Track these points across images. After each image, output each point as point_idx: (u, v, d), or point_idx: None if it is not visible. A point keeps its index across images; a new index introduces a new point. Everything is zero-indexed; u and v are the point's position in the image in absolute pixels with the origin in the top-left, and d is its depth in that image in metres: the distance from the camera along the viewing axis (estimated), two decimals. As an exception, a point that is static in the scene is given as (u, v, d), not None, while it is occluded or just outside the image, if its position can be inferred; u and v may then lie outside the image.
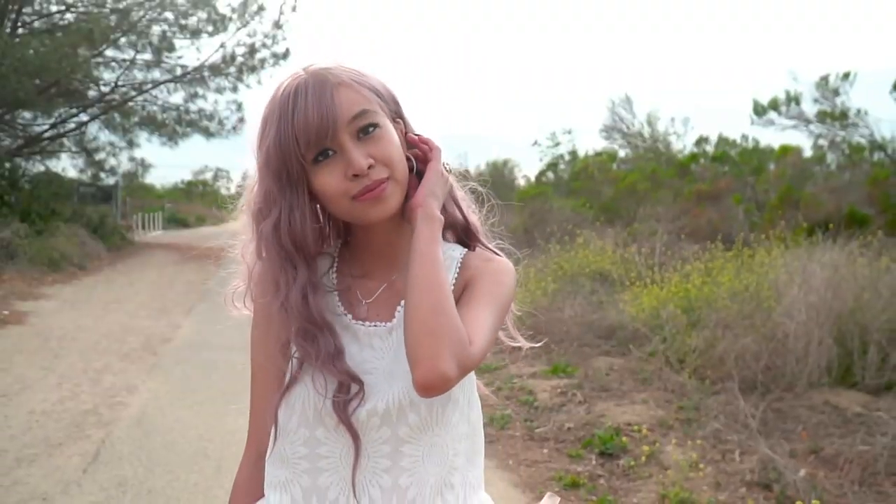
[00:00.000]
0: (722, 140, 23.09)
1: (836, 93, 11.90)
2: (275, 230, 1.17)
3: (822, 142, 14.64)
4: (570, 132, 25.25)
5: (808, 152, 17.74)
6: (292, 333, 1.19)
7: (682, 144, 23.05)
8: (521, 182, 27.73)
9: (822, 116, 13.74)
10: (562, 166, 26.34)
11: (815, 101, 12.05)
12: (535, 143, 25.80)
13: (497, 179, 26.46)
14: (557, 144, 25.07)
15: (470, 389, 1.24)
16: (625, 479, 4.41)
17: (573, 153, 25.93)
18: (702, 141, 22.75)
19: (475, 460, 1.26)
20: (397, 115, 1.22)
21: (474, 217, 1.33)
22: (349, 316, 1.23)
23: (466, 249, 1.28)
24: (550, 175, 26.49)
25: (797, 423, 5.12)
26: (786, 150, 17.35)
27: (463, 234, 1.31)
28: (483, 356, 1.12)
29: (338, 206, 1.17)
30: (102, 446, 4.87)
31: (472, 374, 1.23)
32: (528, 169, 29.44)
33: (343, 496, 1.16)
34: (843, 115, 13.38)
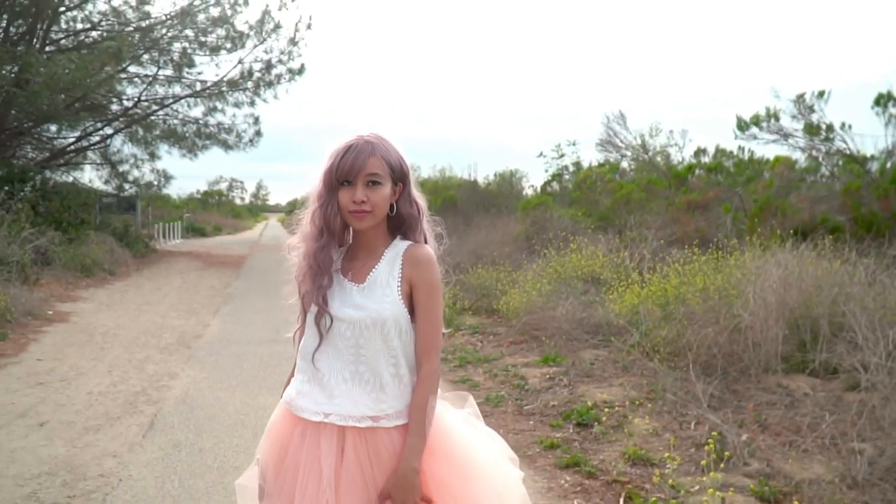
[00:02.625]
0: (719, 151, 23.69)
1: (811, 109, 12.67)
2: (318, 212, 2.13)
3: (801, 154, 15.37)
4: (574, 144, 25.99)
5: (804, 163, 18.48)
6: (308, 274, 2.13)
7: (681, 156, 23.70)
8: (529, 192, 28.40)
9: (808, 130, 14.42)
10: (566, 177, 27.05)
11: (793, 117, 12.82)
12: (541, 154, 26.63)
13: (505, 189, 27.27)
14: (562, 156, 25.83)
15: (408, 338, 2.09)
16: (595, 442, 5.27)
17: (577, 164, 26.64)
18: (700, 152, 23.39)
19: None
20: (400, 180, 2.14)
21: (430, 243, 2.23)
22: (346, 278, 2.14)
23: (408, 242, 2.16)
24: (555, 185, 27.19)
25: (750, 401, 5.95)
26: (779, 161, 18.10)
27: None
28: (438, 360, 2.09)
29: (343, 212, 2.07)
30: (155, 418, 5.77)
31: (410, 335, 2.09)
32: (536, 179, 30.19)
33: (332, 379, 2.08)
34: (830, 128, 14.11)
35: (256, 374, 7.25)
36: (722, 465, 4.51)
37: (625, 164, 24.79)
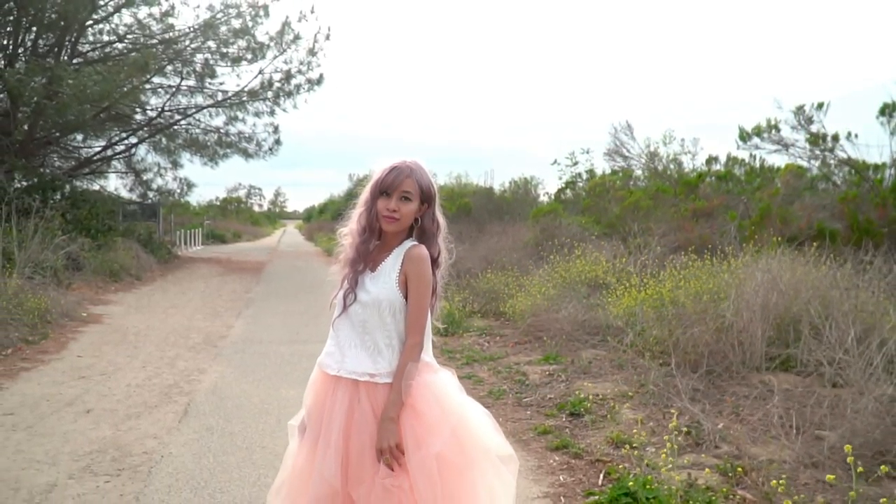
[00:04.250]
0: (731, 159, 23.92)
1: (810, 120, 13.15)
2: (363, 214, 2.76)
3: (810, 163, 15.76)
4: (588, 151, 26.49)
5: (816, 171, 18.87)
6: (350, 259, 2.76)
7: (693, 164, 23.95)
8: (544, 199, 28.78)
9: (812, 140, 14.82)
10: (580, 184, 27.47)
11: (792, 128, 13.30)
12: (555, 161, 27.15)
13: (520, 197, 27.76)
14: (576, 164, 26.29)
15: (400, 318, 2.68)
16: (584, 429, 5.82)
17: (591, 171, 27.05)
18: (711, 160, 23.66)
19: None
20: (425, 201, 2.74)
21: (442, 254, 2.83)
22: (367, 268, 2.75)
23: (413, 243, 2.75)
24: (569, 192, 27.60)
25: (732, 395, 6.48)
26: (787, 169, 18.52)
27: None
28: (422, 336, 2.67)
29: (379, 215, 2.67)
30: (189, 407, 6.39)
31: (402, 316, 2.68)
32: (553, 185, 30.48)
33: (346, 344, 2.71)
34: (836, 137, 14.51)
35: (278, 370, 7.85)
36: (677, 439, 5.07)
37: (639, 172, 25.25)
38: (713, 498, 4.17)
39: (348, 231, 2.81)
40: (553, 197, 27.96)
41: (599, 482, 4.69)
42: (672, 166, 24.27)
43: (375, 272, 2.71)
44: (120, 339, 9.60)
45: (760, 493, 4.23)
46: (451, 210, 20.93)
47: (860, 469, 3.73)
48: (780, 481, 3.75)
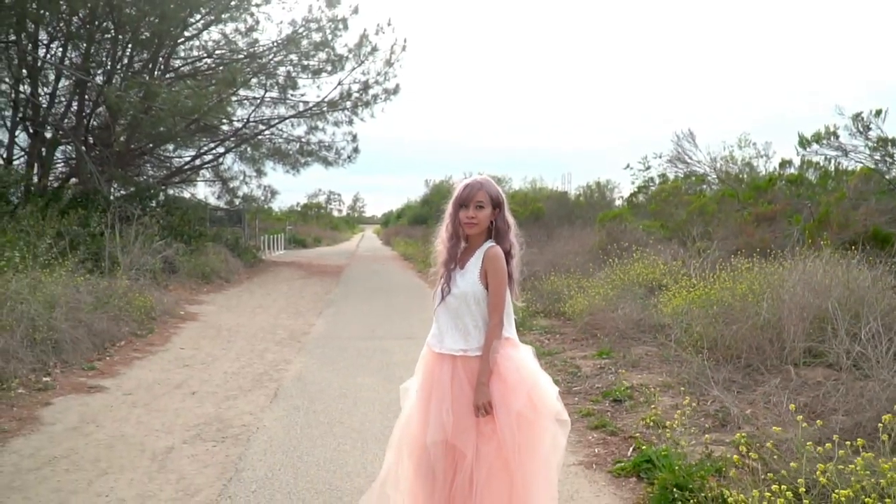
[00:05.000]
0: (805, 162, 23.75)
1: (868, 127, 13.45)
2: (449, 224, 3.55)
3: (875, 166, 15.89)
4: (660, 156, 26.83)
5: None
6: (444, 261, 3.55)
7: (767, 167, 23.95)
8: (619, 202, 29.09)
9: (880, 144, 14.99)
10: (653, 188, 27.71)
11: (851, 134, 13.61)
12: (628, 166, 27.55)
13: (595, 200, 28.19)
14: (648, 168, 26.63)
15: (483, 305, 3.43)
16: (623, 412, 6.53)
17: (663, 175, 27.24)
18: (785, 164, 23.62)
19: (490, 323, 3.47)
20: (497, 206, 3.49)
21: (514, 247, 3.59)
22: (457, 266, 3.53)
23: (491, 244, 3.49)
24: (641, 197, 27.87)
25: (765, 385, 7.07)
26: (859, 173, 18.61)
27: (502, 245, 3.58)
28: (501, 317, 3.41)
29: (460, 222, 3.43)
30: (278, 391, 7.33)
31: (484, 304, 3.43)
32: (628, 189, 30.68)
33: (444, 328, 3.48)
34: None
35: (355, 362, 8.76)
36: (698, 420, 5.71)
37: (713, 176, 25.40)
38: (722, 465, 4.84)
39: (440, 239, 3.56)
40: (626, 201, 28.21)
41: (629, 454, 5.40)
42: (746, 170, 24.36)
43: (464, 269, 3.45)
44: (215, 335, 10.68)
45: (765, 461, 4.88)
46: (523, 215, 21.61)
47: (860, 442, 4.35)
48: (743, 437, 4.39)
